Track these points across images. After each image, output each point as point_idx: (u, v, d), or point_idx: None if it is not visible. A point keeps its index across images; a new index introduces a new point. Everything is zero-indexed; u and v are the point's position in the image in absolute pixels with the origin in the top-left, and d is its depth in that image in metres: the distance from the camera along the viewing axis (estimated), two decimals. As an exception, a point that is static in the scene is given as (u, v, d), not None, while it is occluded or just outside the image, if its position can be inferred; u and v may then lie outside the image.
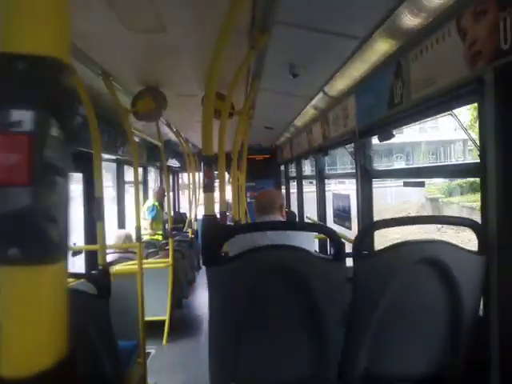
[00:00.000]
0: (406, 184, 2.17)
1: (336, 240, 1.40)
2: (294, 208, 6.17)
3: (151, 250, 4.32)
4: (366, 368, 1.44)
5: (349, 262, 1.46)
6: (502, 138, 1.34)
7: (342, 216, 3.48)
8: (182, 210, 8.28)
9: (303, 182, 5.57)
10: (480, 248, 1.41)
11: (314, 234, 2.46)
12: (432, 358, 1.46)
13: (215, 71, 1.50)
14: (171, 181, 7.74)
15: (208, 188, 1.41)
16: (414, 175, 2.19)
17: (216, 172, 2.25)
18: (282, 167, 7.05)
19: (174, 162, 7.19)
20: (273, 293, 1.40)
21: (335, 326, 1.41)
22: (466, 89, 1.48)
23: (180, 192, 9.00)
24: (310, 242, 1.90)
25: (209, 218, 1.38)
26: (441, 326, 1.43)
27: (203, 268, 6.15)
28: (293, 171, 6.09)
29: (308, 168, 5.87)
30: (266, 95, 3.27)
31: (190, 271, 5.25)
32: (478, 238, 1.42)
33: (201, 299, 4.81)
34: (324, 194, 4.27)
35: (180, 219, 6.77)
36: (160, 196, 5.26)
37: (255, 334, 1.39)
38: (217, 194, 2.26)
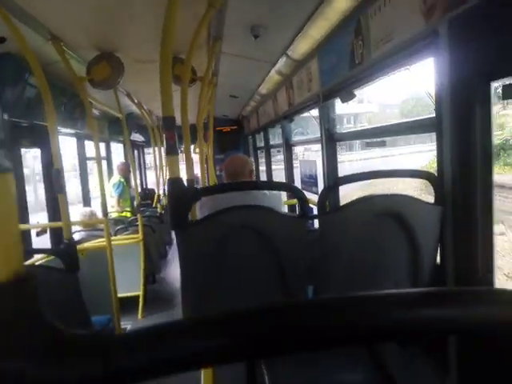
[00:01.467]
0: (368, 144, 2.21)
1: (300, 197, 1.42)
2: (263, 179, 6.20)
3: (120, 227, 4.24)
4: None
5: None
6: (456, 92, 1.37)
7: (310, 182, 3.53)
8: (150, 186, 8.12)
9: (272, 158, 5.58)
10: (436, 199, 1.47)
11: (283, 198, 2.49)
12: None
13: (170, 30, 1.43)
14: (136, 156, 7.53)
15: (171, 150, 1.38)
16: (376, 135, 2.23)
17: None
18: (250, 138, 7.00)
19: (137, 137, 6.96)
20: (241, 251, 1.42)
21: (301, 280, 1.45)
22: (422, 43, 1.49)
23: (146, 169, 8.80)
24: (279, 206, 1.92)
25: (174, 181, 1.36)
26: (402, 273, 1.51)
27: (175, 243, 6.16)
28: (262, 142, 6.08)
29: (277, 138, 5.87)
30: (229, 60, 3.19)
31: (161, 246, 5.22)
32: (434, 189, 1.48)
33: (174, 274, 4.82)
34: (291, 162, 4.29)
35: (148, 195, 6.65)
36: (124, 172, 5.11)
37: (223, 291, 1.42)
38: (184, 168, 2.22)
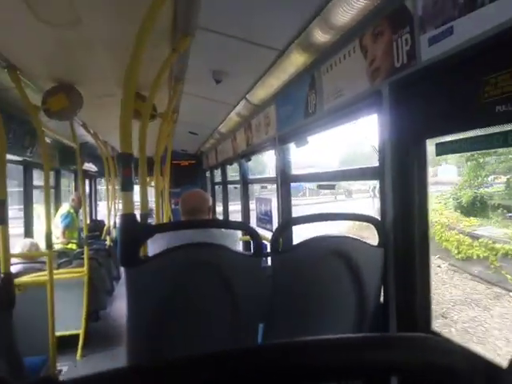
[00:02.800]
0: (319, 187, 2.35)
1: (255, 236, 1.47)
2: (220, 215, 6.22)
3: (64, 260, 4.00)
4: None
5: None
6: (396, 146, 1.53)
7: (265, 219, 3.61)
8: (99, 218, 7.79)
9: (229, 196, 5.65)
10: (379, 241, 1.58)
11: (239, 235, 2.52)
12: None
13: (134, 69, 1.48)
14: (88, 186, 7.26)
15: (126, 186, 1.38)
16: (327, 178, 2.38)
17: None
18: (208, 173, 7.06)
19: (90, 166, 6.76)
20: (193, 289, 1.42)
21: (253, 318, 1.47)
22: (367, 101, 1.66)
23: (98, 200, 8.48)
24: (235, 243, 1.93)
25: (127, 216, 1.35)
26: (349, 311, 1.58)
27: (123, 278, 5.88)
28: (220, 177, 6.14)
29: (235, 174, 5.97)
30: (190, 100, 3.28)
31: (108, 281, 4.96)
32: (377, 232, 1.60)
33: (120, 311, 4.57)
34: (248, 199, 4.38)
35: (97, 227, 6.36)
36: (76, 203, 4.91)
37: (175, 330, 1.39)
38: (138, 199, 2.19)
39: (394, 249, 1.55)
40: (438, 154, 1.40)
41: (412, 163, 1.50)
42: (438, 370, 0.35)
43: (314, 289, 1.51)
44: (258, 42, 2.05)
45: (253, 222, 4.00)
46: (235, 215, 5.65)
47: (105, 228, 5.84)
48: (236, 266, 1.46)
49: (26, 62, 2.35)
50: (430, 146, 1.51)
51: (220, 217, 6.04)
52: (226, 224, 2.02)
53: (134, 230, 1.35)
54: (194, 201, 1.98)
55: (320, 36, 1.81)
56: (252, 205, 4.35)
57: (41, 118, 2.82)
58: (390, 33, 1.45)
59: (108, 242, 5.54)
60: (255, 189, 5.24)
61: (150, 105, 2.23)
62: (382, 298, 1.66)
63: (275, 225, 3.41)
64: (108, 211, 5.85)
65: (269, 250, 1.56)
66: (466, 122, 1.22)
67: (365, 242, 1.56)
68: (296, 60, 2.11)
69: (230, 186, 5.54)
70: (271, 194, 3.54)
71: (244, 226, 1.69)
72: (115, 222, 6.10)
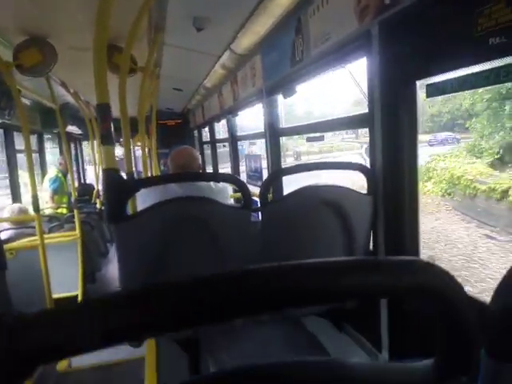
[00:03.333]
0: (308, 139, 2.30)
1: (244, 189, 1.45)
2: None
3: (54, 224, 3.98)
4: None
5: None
6: (386, 90, 1.48)
7: (255, 176, 3.58)
8: (88, 182, 7.70)
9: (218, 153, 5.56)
10: (369, 189, 1.57)
11: (229, 192, 2.50)
12: None
13: (105, 14, 1.37)
14: (73, 149, 7.10)
15: (106, 140, 1.32)
16: (316, 129, 2.33)
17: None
18: (196, 132, 6.91)
19: (74, 129, 6.56)
20: (182, 243, 1.41)
21: None
22: (356, 43, 1.58)
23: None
24: (225, 200, 1.91)
25: (110, 171, 1.31)
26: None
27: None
28: (207, 136, 6.03)
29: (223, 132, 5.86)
30: (172, 52, 3.12)
31: (101, 243, 4.99)
32: (367, 180, 1.58)
33: (115, 272, 4.64)
34: (237, 155, 4.32)
35: (86, 191, 6.30)
36: (63, 166, 4.81)
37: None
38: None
39: (383, 196, 1.54)
40: (428, 96, 1.36)
41: (402, 107, 1.46)
42: (427, 292, 0.34)
43: (303, 239, 1.52)
44: (240, -18, 1.91)
45: (243, 180, 3.98)
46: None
47: (94, 191, 5.79)
48: (226, 220, 1.44)
49: None
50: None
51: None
52: (215, 177, 1.99)
53: (119, 185, 1.31)
54: (184, 158, 1.93)
55: (306, -27, 1.69)
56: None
57: (14, 76, 2.67)
58: (380, -36, 1.35)
59: (98, 205, 5.51)
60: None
61: (128, 56, 2.10)
62: (371, 245, 1.69)
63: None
64: (96, 174, 5.77)
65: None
66: (457, 60, 1.17)
67: (354, 190, 1.55)
68: (281, 1, 1.99)
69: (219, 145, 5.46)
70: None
71: (233, 178, 1.66)
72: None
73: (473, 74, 1.15)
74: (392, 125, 1.48)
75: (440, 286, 0.34)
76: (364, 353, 1.78)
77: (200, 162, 2.00)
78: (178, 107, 6.53)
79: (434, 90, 1.32)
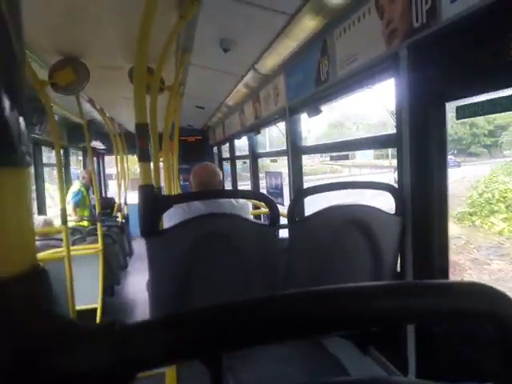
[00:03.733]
0: (332, 158, 2.31)
1: (272, 205, 1.46)
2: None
3: (77, 237, 4.07)
4: None
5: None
6: (414, 111, 1.49)
7: (275, 193, 3.60)
8: (109, 195, 7.87)
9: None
10: (397, 209, 1.56)
11: (249, 208, 2.52)
12: None
13: (145, 42, 1.43)
14: (96, 164, 7.29)
15: (143, 157, 1.37)
16: (341, 148, 2.34)
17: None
18: (215, 149, 7.01)
19: (98, 144, 6.76)
20: (212, 259, 1.43)
21: (270, 288, 1.48)
22: (383, 65, 1.60)
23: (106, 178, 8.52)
24: (246, 215, 1.93)
25: (146, 188, 1.35)
26: (366, 280, 1.58)
27: (136, 254, 5.98)
28: (227, 153, 6.10)
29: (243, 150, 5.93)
30: (196, 71, 3.21)
31: (121, 257, 5.05)
32: (395, 200, 1.57)
33: (134, 286, 4.68)
34: (257, 173, 4.35)
35: (108, 204, 6.44)
36: (86, 180, 4.94)
37: (193, 299, 1.42)
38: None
39: (411, 217, 1.53)
40: (458, 118, 1.36)
41: (431, 128, 1.46)
42: (489, 317, 0.34)
43: (330, 258, 1.51)
44: (267, 5, 1.96)
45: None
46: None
47: (115, 205, 5.90)
48: (254, 236, 1.46)
49: (30, 35, 2.29)
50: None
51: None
52: (247, 194, 2.00)
53: (154, 201, 1.35)
54: (206, 174, 1.96)
55: (333, -3, 1.73)
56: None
57: (48, 94, 2.79)
58: (410, -10, 1.38)
59: (120, 219, 5.60)
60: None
61: (159, 77, 2.18)
62: (398, 266, 1.66)
63: (286, 198, 3.41)
64: (118, 188, 5.89)
65: (283, 221, 1.55)
66: (489, 82, 1.17)
67: (382, 211, 1.54)
68: (307, 25, 2.03)
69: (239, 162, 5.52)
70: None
71: (261, 195, 1.67)
72: (126, 199, 6.16)
73: (505, 97, 1.14)
74: (420, 146, 1.48)
75: (503, 311, 0.34)
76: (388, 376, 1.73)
77: (221, 178, 2.03)
78: (199, 124, 6.66)
79: (464, 112, 1.32)
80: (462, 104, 1.31)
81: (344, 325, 0.32)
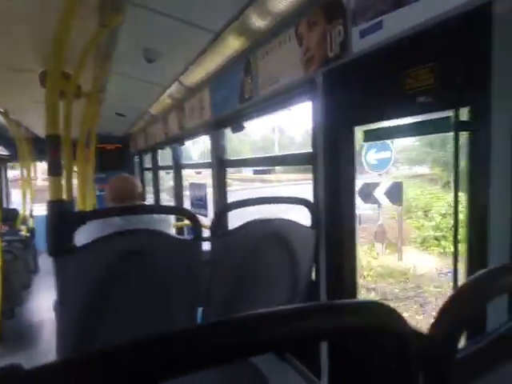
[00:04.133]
0: (255, 172, 2.39)
1: (195, 220, 1.46)
2: (151, 200, 6.00)
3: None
4: None
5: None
6: (328, 133, 1.63)
7: (199, 204, 3.58)
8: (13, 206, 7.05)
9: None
10: (312, 222, 1.68)
11: (172, 222, 2.47)
12: None
13: (61, 45, 1.35)
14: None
15: (54, 170, 1.27)
16: (264, 164, 2.43)
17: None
18: (137, 158, 6.74)
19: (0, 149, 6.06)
20: (128, 279, 1.37)
21: (191, 304, 1.47)
22: (302, 88, 1.73)
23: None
24: (168, 229, 1.88)
25: (56, 203, 1.25)
26: (283, 290, 1.66)
27: (42, 270, 5.43)
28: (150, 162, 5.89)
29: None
30: (118, 79, 3.08)
31: (24, 274, 4.55)
32: (311, 214, 1.69)
33: (38, 305, 4.24)
34: (181, 184, 4.29)
35: (11, 215, 5.77)
36: None
37: (108, 321, 1.35)
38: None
39: (325, 229, 1.65)
40: (365, 141, 1.52)
41: (342, 149, 1.61)
42: (382, 331, 0.40)
43: (251, 270, 1.56)
44: (194, 22, 1.99)
45: (187, 207, 3.95)
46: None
47: (19, 217, 5.32)
48: (173, 252, 1.43)
49: None
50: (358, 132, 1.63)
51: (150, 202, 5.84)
52: (167, 209, 1.96)
53: (65, 217, 1.25)
54: (124, 187, 1.86)
55: (256, 21, 1.82)
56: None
57: None
58: (324, 23, 1.52)
59: (24, 233, 5.06)
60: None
61: (75, 84, 2.05)
62: (313, 276, 1.78)
63: (210, 210, 3.41)
64: (23, 198, 5.32)
65: (206, 234, 1.56)
66: (391, 112, 1.34)
67: (299, 224, 1.64)
68: (231, 44, 2.10)
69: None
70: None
71: (184, 211, 1.65)
72: (31, 211, 5.59)
73: (405, 125, 1.31)
74: (333, 165, 1.62)
75: (391, 325, 0.40)
76: (304, 381, 1.82)
77: (141, 190, 1.95)
78: (119, 131, 6.36)
79: (370, 136, 1.48)
80: (369, 129, 1.47)
81: (255, 350, 0.35)
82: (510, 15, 0.89)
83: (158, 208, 2.20)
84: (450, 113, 1.12)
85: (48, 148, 1.28)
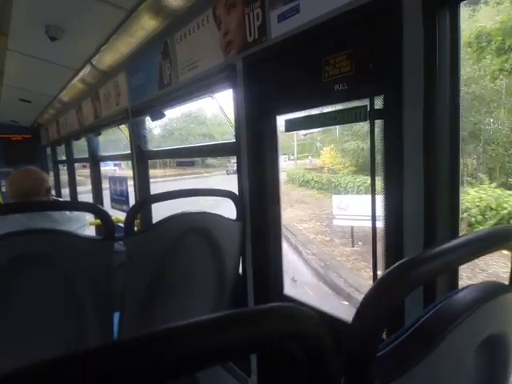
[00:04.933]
0: (178, 163, 2.27)
1: (105, 218, 1.31)
2: (66, 197, 5.50)
3: None
4: None
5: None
6: (250, 121, 1.57)
7: (120, 200, 3.33)
8: None
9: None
10: (238, 215, 1.62)
11: (89, 219, 2.25)
12: (205, 312, 1.61)
13: None
14: None
15: None
16: (186, 154, 2.31)
17: None
18: (49, 150, 6.12)
19: None
20: (26, 286, 1.19)
21: (106, 310, 1.34)
22: (222, 74, 1.64)
23: None
24: (83, 228, 1.70)
25: None
26: (209, 285, 1.59)
27: None
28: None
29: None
30: (18, 58, 2.71)
31: None
32: (236, 206, 1.63)
33: None
34: (99, 178, 3.97)
35: None
36: None
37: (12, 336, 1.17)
38: None
39: (250, 221, 1.61)
40: (286, 130, 1.49)
41: (265, 138, 1.56)
42: (291, 337, 0.36)
43: (173, 268, 1.46)
44: (102, -3, 1.79)
45: (107, 203, 3.66)
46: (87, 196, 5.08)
47: None
48: (80, 255, 1.28)
49: None
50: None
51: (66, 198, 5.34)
52: (69, 205, 1.75)
53: None
54: (27, 182, 1.65)
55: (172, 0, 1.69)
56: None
57: None
58: (243, 5, 1.44)
59: None
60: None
61: None
62: (240, 269, 1.73)
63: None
64: None
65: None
66: (311, 100, 1.31)
67: (223, 217, 1.57)
68: (147, 24, 1.94)
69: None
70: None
71: (91, 206, 1.48)
72: None
73: (325, 114, 1.29)
74: (256, 155, 1.57)
75: (310, 329, 0.36)
76: (234, 378, 1.78)
77: (49, 184, 1.74)
78: (27, 121, 5.70)
79: (290, 126, 1.45)
80: (289, 118, 1.44)
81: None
82: (419, 4, 0.90)
83: (65, 205, 1.98)
84: (367, 101, 1.12)
85: None
